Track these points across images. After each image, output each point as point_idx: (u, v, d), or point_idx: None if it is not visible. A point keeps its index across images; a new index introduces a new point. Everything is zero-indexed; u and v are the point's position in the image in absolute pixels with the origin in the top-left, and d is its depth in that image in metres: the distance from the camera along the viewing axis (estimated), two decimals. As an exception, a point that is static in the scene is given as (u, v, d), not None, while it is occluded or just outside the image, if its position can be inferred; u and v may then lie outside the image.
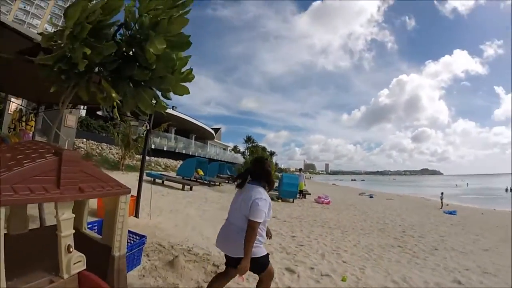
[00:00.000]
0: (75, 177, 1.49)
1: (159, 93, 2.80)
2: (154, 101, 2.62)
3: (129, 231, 2.99)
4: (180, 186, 10.67)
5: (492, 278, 3.82)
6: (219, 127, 47.77)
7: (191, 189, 10.66)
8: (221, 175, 18.22)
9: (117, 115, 3.13)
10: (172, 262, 2.80)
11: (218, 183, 14.60)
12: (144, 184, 10.10)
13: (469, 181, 77.81)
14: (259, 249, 2.00)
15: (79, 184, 1.52)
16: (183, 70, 2.44)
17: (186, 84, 2.46)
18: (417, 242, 6.01)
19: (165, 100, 2.89)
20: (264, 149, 26.43)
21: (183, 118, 26.41)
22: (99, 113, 10.00)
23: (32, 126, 5.15)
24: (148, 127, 4.99)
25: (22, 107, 5.84)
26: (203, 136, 34.12)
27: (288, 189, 11.84)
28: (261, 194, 1.97)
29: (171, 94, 2.90)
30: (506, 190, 36.26)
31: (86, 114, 17.92)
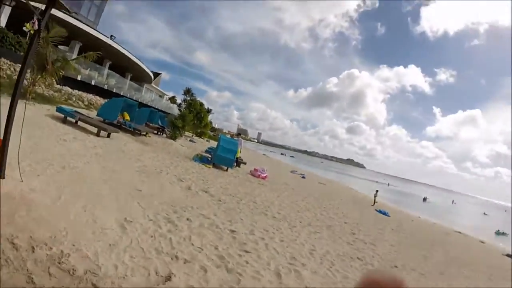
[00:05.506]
0: None
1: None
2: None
3: None
4: (96, 130, 8.47)
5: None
6: (160, 72, 42.55)
7: (108, 136, 8.58)
8: (151, 124, 15.59)
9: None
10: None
11: (144, 133, 12.45)
12: (52, 122, 7.44)
13: (389, 181, 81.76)
14: None
15: None
16: None
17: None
18: (372, 253, 5.55)
19: None
20: (201, 104, 24.52)
21: (121, 52, 22.57)
22: (24, 28, 6.82)
23: None
24: (34, 24, 2.86)
25: None
26: (140, 77, 29.78)
27: (225, 155, 10.30)
28: None
29: None
30: (424, 199, 40.33)
31: (6, 25, 14.20)
